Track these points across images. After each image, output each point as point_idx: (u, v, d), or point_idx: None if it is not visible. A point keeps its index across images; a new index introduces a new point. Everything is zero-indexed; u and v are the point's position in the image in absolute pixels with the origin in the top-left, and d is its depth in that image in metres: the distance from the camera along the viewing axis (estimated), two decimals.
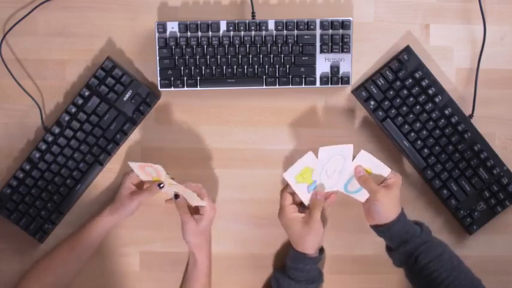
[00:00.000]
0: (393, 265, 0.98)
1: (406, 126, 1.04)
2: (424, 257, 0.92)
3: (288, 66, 1.03)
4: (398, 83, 1.04)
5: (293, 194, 0.98)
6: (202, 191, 0.99)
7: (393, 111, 1.04)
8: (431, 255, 0.92)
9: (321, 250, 1.01)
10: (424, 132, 1.04)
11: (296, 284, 0.97)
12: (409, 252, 0.94)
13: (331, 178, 0.98)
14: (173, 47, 1.02)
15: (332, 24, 1.02)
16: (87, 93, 1.03)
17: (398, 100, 1.04)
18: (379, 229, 0.96)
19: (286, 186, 0.98)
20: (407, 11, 1.07)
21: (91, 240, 1.00)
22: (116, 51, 1.06)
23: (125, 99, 1.04)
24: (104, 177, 1.07)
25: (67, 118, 1.03)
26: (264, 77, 1.03)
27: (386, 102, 1.04)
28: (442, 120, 1.04)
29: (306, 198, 0.98)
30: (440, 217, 1.07)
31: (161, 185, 0.97)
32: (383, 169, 0.96)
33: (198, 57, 1.02)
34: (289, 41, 1.02)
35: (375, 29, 1.07)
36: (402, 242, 0.94)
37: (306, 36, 1.02)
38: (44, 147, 1.04)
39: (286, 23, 1.02)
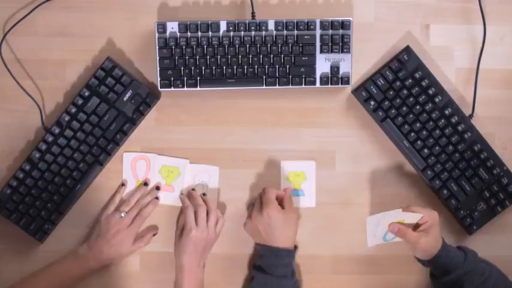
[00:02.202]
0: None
1: (406, 126, 1.04)
2: (468, 285, 0.93)
3: (288, 66, 1.03)
4: (398, 83, 1.04)
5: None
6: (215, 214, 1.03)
7: (393, 111, 1.04)
8: (475, 283, 0.93)
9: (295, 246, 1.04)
10: (424, 132, 1.04)
11: (279, 280, 0.98)
12: (453, 281, 0.95)
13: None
14: (173, 47, 1.02)
15: (332, 24, 1.02)
16: (87, 94, 1.03)
17: (398, 100, 1.04)
18: (422, 262, 0.99)
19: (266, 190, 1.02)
20: (407, 11, 1.07)
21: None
22: (116, 51, 1.06)
23: (124, 99, 1.04)
24: (104, 177, 1.07)
25: (67, 118, 1.03)
26: (264, 77, 1.03)
27: (386, 102, 1.04)
28: (442, 120, 1.04)
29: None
30: (440, 217, 1.06)
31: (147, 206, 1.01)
32: (415, 216, 0.96)
33: (198, 57, 1.02)
34: (289, 41, 1.02)
35: (375, 29, 1.07)
36: (445, 273, 0.95)
37: (306, 36, 1.02)
38: (44, 147, 1.04)
39: (286, 23, 1.02)
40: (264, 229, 0.99)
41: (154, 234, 1.06)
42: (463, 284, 0.94)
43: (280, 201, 1.02)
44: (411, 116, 1.04)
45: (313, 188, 1.07)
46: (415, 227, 0.97)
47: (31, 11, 1.05)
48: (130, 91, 1.04)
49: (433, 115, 1.04)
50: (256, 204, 1.02)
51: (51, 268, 1.01)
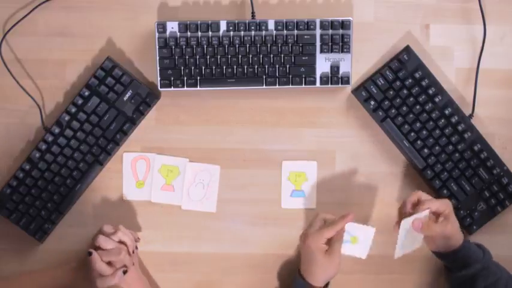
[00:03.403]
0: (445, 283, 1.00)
1: (406, 126, 1.04)
2: (482, 281, 0.94)
3: (288, 66, 1.03)
4: (398, 83, 1.04)
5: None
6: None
7: (393, 111, 1.04)
8: (489, 280, 0.94)
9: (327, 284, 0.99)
10: (424, 132, 1.04)
11: None
12: (469, 275, 0.95)
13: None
14: (173, 47, 1.02)
15: (332, 24, 1.02)
16: (87, 93, 1.03)
17: (398, 100, 1.04)
18: (442, 254, 0.98)
19: (318, 216, 0.96)
20: (407, 11, 1.07)
21: None
22: (116, 51, 1.06)
23: (124, 99, 1.04)
24: (104, 177, 1.07)
25: (67, 118, 1.03)
26: (264, 77, 1.03)
27: (386, 102, 1.04)
28: (442, 120, 1.04)
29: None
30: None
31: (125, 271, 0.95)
32: (423, 214, 0.95)
33: (198, 57, 1.02)
34: (289, 41, 1.02)
35: (375, 29, 1.07)
36: (464, 266, 0.95)
37: (306, 36, 1.02)
38: (44, 147, 1.03)
39: (286, 23, 1.02)
40: (303, 254, 0.96)
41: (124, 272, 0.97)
42: (477, 280, 0.94)
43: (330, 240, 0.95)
44: (411, 115, 1.04)
45: (314, 188, 1.07)
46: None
47: (31, 11, 1.05)
48: (130, 91, 1.04)
49: (433, 115, 1.04)
50: (311, 225, 0.96)
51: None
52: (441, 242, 0.96)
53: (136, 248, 1.01)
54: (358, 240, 0.96)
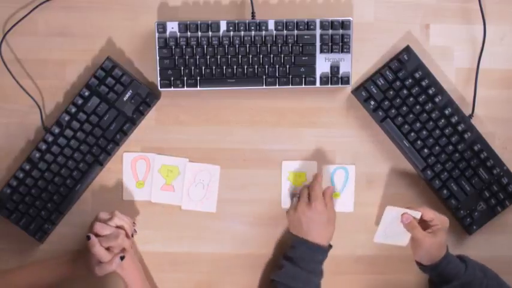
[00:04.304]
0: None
1: (406, 126, 1.04)
2: None
3: (288, 66, 1.03)
4: (398, 83, 1.04)
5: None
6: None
7: (393, 111, 1.04)
8: None
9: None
10: (424, 132, 1.04)
11: (308, 275, 0.98)
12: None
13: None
14: (173, 47, 1.02)
15: (332, 24, 1.02)
16: (87, 93, 1.03)
17: (398, 100, 1.04)
18: (423, 268, 0.99)
19: (318, 176, 1.02)
20: (407, 11, 1.07)
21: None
22: (116, 51, 1.06)
23: (124, 99, 1.04)
24: (104, 177, 1.07)
25: (67, 118, 1.03)
26: (264, 77, 1.03)
27: (386, 102, 1.04)
28: (442, 120, 1.04)
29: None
30: None
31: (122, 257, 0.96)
32: (415, 213, 0.97)
33: (198, 57, 1.02)
34: (289, 41, 1.02)
35: (375, 29, 1.07)
36: (445, 282, 0.96)
37: (306, 36, 1.02)
38: (44, 147, 1.03)
39: (286, 23, 1.02)
40: (306, 222, 0.99)
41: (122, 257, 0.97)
42: None
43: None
44: (411, 116, 1.04)
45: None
46: (424, 228, 0.97)
47: (31, 11, 1.05)
48: (130, 91, 1.04)
49: (433, 115, 1.04)
50: (304, 196, 1.01)
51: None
52: (423, 253, 0.97)
53: (135, 231, 1.01)
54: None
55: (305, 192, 1.02)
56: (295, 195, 1.05)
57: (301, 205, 1.00)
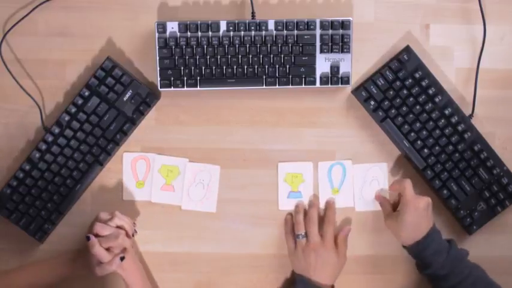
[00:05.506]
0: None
1: (406, 126, 1.04)
2: (444, 283, 0.96)
3: (288, 66, 1.03)
4: (398, 83, 1.04)
5: None
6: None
7: (393, 111, 1.04)
8: (452, 281, 0.95)
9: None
10: (424, 132, 1.04)
11: None
12: (432, 275, 0.97)
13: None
14: (173, 47, 1.02)
15: (332, 24, 1.02)
16: (87, 93, 1.03)
17: (398, 100, 1.04)
18: (408, 249, 1.00)
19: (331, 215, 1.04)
20: (407, 11, 1.07)
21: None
22: (116, 51, 1.06)
23: (124, 99, 1.04)
24: (104, 177, 1.07)
25: (67, 118, 1.03)
26: (264, 77, 1.03)
27: (386, 102, 1.04)
28: (442, 120, 1.04)
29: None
30: (440, 217, 1.07)
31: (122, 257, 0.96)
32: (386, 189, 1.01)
33: (198, 57, 1.02)
34: (289, 41, 1.02)
35: (375, 29, 1.07)
36: (426, 267, 0.97)
37: (306, 36, 1.02)
38: (44, 147, 1.04)
39: (286, 23, 1.02)
40: (314, 263, 0.99)
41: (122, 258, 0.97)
42: (441, 280, 0.96)
43: (335, 239, 1.03)
44: (411, 116, 1.04)
45: (311, 189, 1.07)
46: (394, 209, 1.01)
47: (31, 11, 1.05)
48: (130, 91, 1.04)
49: (433, 115, 1.04)
50: (312, 235, 1.01)
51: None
52: (395, 232, 1.00)
53: (136, 231, 1.01)
54: None
55: (312, 230, 1.01)
56: (298, 235, 1.03)
57: (309, 245, 1.00)
